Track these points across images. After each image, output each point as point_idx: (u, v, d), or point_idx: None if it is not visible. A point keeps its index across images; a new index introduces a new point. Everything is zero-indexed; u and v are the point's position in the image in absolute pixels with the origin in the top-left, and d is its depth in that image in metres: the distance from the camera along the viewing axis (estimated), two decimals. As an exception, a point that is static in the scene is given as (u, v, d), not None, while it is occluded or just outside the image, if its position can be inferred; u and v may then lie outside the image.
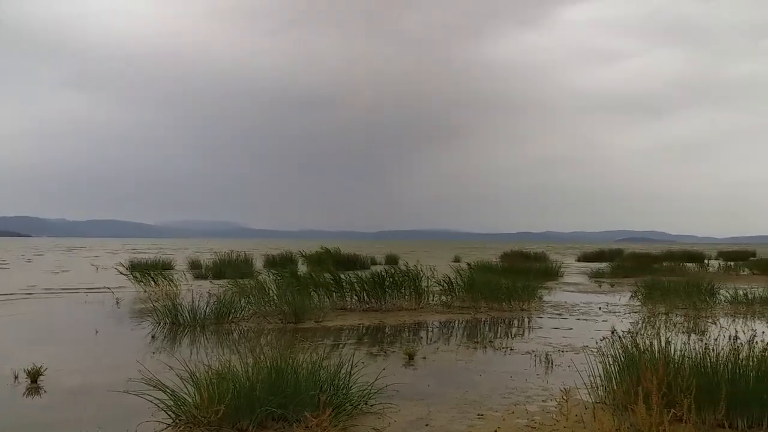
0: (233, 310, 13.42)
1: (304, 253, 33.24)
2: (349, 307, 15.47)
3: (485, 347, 10.79)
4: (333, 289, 15.61)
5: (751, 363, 6.09)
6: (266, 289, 14.80)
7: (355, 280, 15.80)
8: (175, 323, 12.74)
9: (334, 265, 24.36)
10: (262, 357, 6.43)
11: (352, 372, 6.74)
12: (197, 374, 6.15)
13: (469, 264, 25.76)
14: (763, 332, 11.28)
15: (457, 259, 40.90)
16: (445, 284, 16.64)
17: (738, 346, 6.20)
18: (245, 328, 12.51)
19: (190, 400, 5.94)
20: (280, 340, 11.19)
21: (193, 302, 13.08)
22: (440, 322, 13.76)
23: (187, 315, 12.82)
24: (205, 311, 13.05)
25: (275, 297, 14.16)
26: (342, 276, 16.21)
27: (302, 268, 26.02)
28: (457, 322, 13.92)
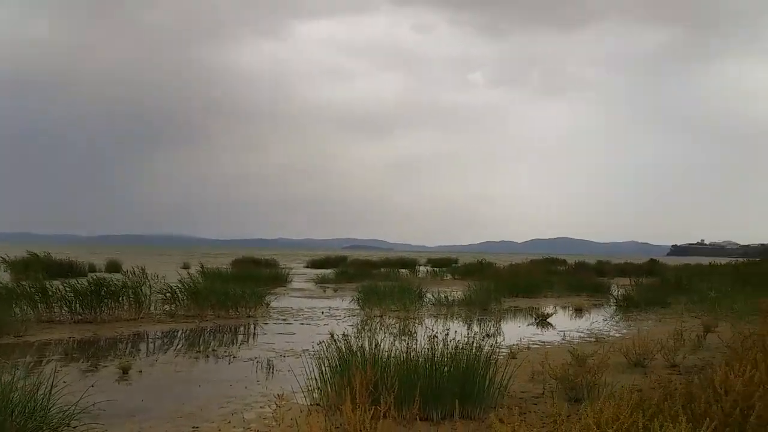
0: None
1: (7, 259, 29.24)
2: (58, 319, 14.00)
3: (207, 356, 10.60)
4: (38, 299, 13.96)
5: (444, 359, 6.91)
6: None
7: (65, 290, 14.33)
8: None
9: (44, 273, 21.83)
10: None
11: (53, 391, 6.12)
12: None
13: (202, 269, 25.10)
14: (456, 331, 12.83)
15: (186, 266, 39.46)
16: (168, 292, 15.96)
17: (434, 345, 6.97)
18: None
19: None
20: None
21: None
22: (162, 332, 13.17)
23: None
24: None
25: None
26: (49, 285, 14.60)
27: (4, 276, 22.90)
28: (180, 331, 13.45)
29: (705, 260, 56.57)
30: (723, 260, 52.78)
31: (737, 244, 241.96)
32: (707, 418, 3.23)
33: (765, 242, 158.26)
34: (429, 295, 19.71)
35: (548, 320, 16.50)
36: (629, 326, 15.70)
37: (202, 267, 26.96)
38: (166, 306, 15.72)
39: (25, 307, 13.71)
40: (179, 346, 11.85)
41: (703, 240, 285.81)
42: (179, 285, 16.31)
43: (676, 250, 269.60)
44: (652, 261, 50.95)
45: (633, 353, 9.85)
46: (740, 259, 60.24)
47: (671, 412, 3.35)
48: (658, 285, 24.45)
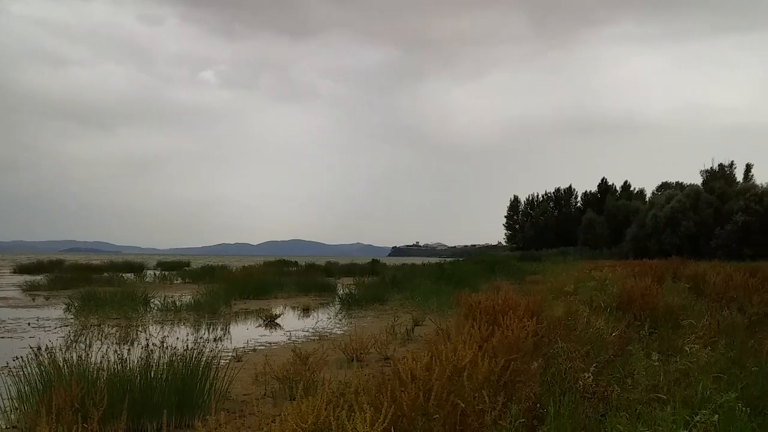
0: None
1: None
2: None
3: None
4: None
5: (161, 369, 6.72)
6: None
7: None
8: None
9: None
10: None
11: None
12: None
13: None
14: (178, 337, 12.51)
15: None
16: None
17: (150, 354, 6.75)
18: None
19: None
20: None
21: None
22: None
23: None
24: None
25: None
26: None
27: None
28: None
29: (419, 260, 62.68)
30: (434, 260, 59.02)
31: (446, 245, 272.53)
32: (386, 403, 3.68)
33: (468, 244, 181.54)
34: (156, 301, 18.87)
35: (276, 321, 16.90)
36: (350, 323, 16.78)
37: None
38: None
39: None
40: None
41: (418, 242, 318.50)
42: None
43: (396, 251, 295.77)
44: (374, 261, 54.90)
45: (350, 348, 10.59)
46: (448, 259, 67.99)
47: (361, 402, 3.75)
48: (378, 283, 26.53)
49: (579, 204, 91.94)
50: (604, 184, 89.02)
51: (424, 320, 14.95)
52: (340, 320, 17.85)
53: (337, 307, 21.42)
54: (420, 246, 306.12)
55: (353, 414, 3.54)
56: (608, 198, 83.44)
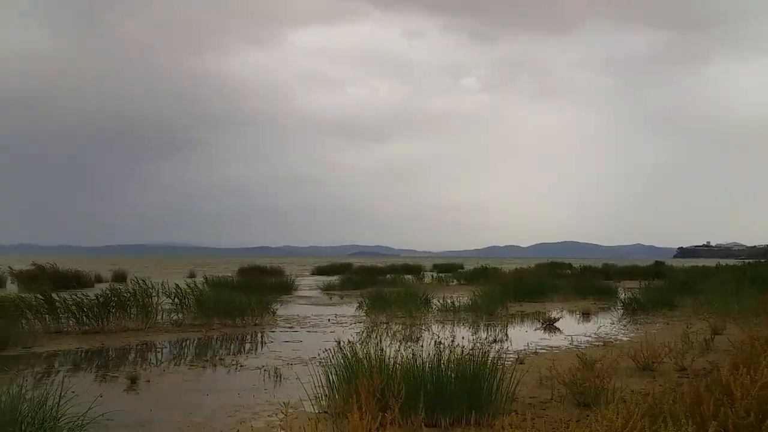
0: None
1: (13, 271, 29.37)
2: (65, 329, 14.03)
3: (215, 365, 10.62)
4: (44, 311, 13.98)
5: (451, 366, 6.90)
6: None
7: (71, 301, 14.34)
8: None
9: (51, 284, 21.90)
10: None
11: (63, 402, 6.13)
12: None
13: (205, 279, 25.13)
14: (462, 336, 12.81)
15: (192, 275, 39.54)
16: (177, 301, 16.00)
17: (441, 351, 6.97)
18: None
19: None
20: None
21: None
22: (170, 342, 13.19)
23: None
24: None
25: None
26: (57, 296, 14.63)
27: (12, 288, 23.00)
28: (188, 340, 13.48)
29: (711, 262, 56.35)
30: (730, 262, 52.60)
31: (744, 245, 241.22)
32: (714, 421, 3.22)
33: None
34: (435, 301, 19.69)
35: (555, 324, 16.46)
36: (637, 329, 15.65)
37: (206, 280, 26.99)
38: (173, 315, 15.76)
39: (32, 319, 13.74)
40: (186, 355, 11.87)
41: (709, 242, 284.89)
42: (186, 292, 16.34)
43: (682, 253, 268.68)
44: (658, 263, 50.86)
45: (641, 357, 9.82)
46: (747, 261, 60.01)
47: (678, 416, 3.34)
48: (665, 287, 24.38)
49: None
50: None
51: (724, 328, 13.30)
52: (624, 326, 16.76)
53: (620, 312, 20.17)
54: (711, 246, 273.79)
55: (665, 426, 3.17)
56: None
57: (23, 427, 5.45)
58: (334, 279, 34.46)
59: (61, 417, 5.98)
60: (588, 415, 6.59)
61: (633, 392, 7.52)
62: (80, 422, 6.03)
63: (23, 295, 15.11)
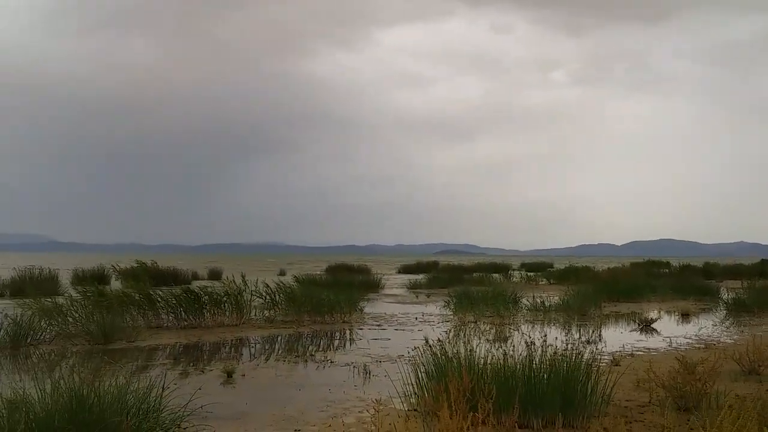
0: (32, 332, 12.20)
1: (117, 268, 31.13)
2: (165, 324, 14.74)
3: (306, 361, 10.84)
4: (146, 306, 14.74)
5: (543, 367, 6.73)
6: (71, 307, 13.60)
7: (170, 297, 15.05)
8: (-40, 349, 11.32)
9: (151, 281, 23.05)
10: (61, 383, 5.91)
11: (165, 394, 6.43)
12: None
13: (295, 277, 25.75)
14: (555, 337, 12.49)
15: (282, 273, 40.64)
16: (268, 298, 16.48)
17: (532, 351, 6.81)
18: (46, 351, 11.44)
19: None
20: (85, 363, 10.37)
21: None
22: (262, 338, 13.60)
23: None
24: (-3, 334, 11.73)
25: (81, 316, 13.10)
26: (159, 292, 15.40)
27: (116, 284, 24.38)
28: (279, 336, 13.85)
29: (826, 260, 52.38)
30: None
31: None
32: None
33: None
34: (524, 301, 19.32)
35: (652, 326, 15.78)
36: (742, 331, 14.78)
37: (296, 278, 27.63)
38: (265, 312, 16.23)
39: (135, 314, 14.51)
40: (279, 350, 12.19)
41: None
42: (277, 289, 16.79)
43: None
44: (765, 261, 47.82)
45: (747, 360, 9.26)
46: None
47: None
48: (773, 287, 22.86)
49: None
50: None
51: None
52: (727, 328, 15.86)
53: (723, 313, 19.09)
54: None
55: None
56: None
57: (129, 417, 5.74)
58: (420, 277, 34.46)
59: (163, 408, 6.27)
60: (689, 420, 6.27)
61: (738, 397, 7.12)
62: (181, 414, 6.30)
63: (126, 291, 15.97)
